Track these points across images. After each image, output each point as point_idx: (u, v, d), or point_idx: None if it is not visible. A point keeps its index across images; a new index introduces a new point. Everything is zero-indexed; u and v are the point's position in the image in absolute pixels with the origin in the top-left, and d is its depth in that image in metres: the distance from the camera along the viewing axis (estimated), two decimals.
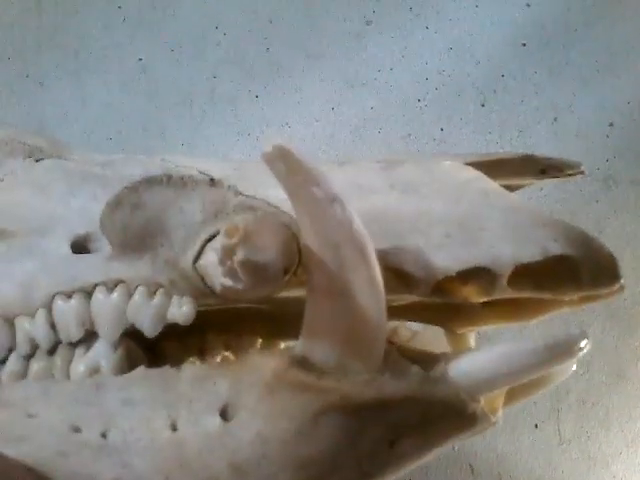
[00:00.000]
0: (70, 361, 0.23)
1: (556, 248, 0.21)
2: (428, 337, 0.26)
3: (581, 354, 0.20)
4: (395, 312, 0.24)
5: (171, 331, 0.23)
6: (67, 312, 0.22)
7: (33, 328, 0.22)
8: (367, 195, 0.23)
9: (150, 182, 0.22)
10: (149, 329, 0.22)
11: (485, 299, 0.22)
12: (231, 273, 0.20)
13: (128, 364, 0.22)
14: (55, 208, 0.24)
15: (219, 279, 0.20)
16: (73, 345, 0.23)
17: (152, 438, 0.20)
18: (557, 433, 0.46)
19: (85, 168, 0.25)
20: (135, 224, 0.21)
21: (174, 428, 0.20)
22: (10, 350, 0.23)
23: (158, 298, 0.22)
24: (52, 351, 0.23)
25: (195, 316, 0.22)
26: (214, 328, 0.25)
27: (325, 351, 0.19)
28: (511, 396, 0.23)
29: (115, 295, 0.22)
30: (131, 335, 0.23)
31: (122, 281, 0.22)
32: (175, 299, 0.22)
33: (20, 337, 0.22)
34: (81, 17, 0.51)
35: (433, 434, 0.20)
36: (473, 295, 0.21)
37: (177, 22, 0.52)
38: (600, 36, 0.53)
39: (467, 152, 0.52)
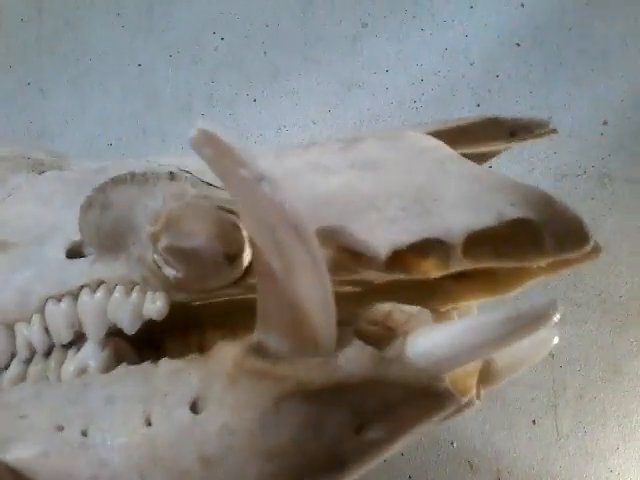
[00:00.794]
0: (62, 363, 0.23)
1: (513, 212, 0.20)
2: (424, 319, 0.24)
3: (551, 323, 0.18)
4: (373, 293, 0.24)
5: (173, 328, 0.24)
6: (57, 315, 0.23)
7: (30, 333, 0.23)
8: (327, 175, 0.23)
9: (115, 181, 0.22)
10: (128, 327, 0.22)
11: (444, 272, 0.20)
12: (165, 261, 0.20)
13: (117, 363, 0.22)
14: (55, 217, 0.24)
15: (164, 269, 0.20)
16: (66, 347, 0.23)
17: (128, 434, 0.19)
18: (555, 429, 0.47)
19: (81, 177, 0.26)
20: (106, 224, 0.22)
21: (149, 423, 0.20)
22: (13, 355, 0.24)
23: (134, 296, 0.22)
24: (49, 354, 0.24)
25: (192, 312, 0.22)
26: (212, 324, 0.25)
27: (278, 337, 0.19)
28: (494, 375, 0.22)
29: (97, 295, 0.22)
30: (137, 335, 0.23)
31: (103, 282, 0.23)
32: (149, 295, 0.22)
33: (19, 342, 0.23)
34: (81, 25, 0.52)
35: (400, 418, 0.19)
36: (432, 269, 0.20)
37: (175, 28, 0.53)
38: (594, 35, 0.54)
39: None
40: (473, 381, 0.20)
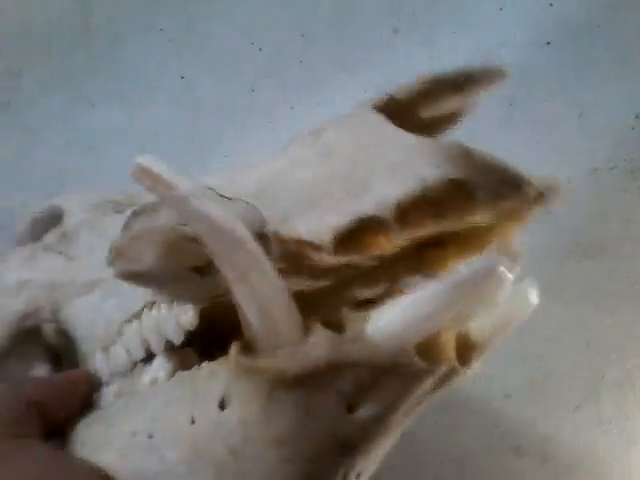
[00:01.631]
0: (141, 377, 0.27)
1: (436, 175, 0.20)
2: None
3: (502, 281, 0.18)
4: (363, 278, 0.24)
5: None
6: (131, 336, 0.27)
7: (116, 354, 0.27)
8: (296, 169, 0.24)
9: (135, 214, 0.24)
10: (174, 338, 0.25)
11: (391, 247, 0.21)
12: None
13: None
14: None
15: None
16: (145, 362, 0.27)
17: (178, 433, 0.22)
18: (597, 415, 0.48)
19: None
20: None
21: (192, 422, 0.22)
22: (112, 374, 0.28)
23: (173, 311, 0.25)
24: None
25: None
26: None
27: (254, 333, 0.20)
28: (473, 341, 0.23)
29: (151, 314, 0.26)
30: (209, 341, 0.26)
31: (154, 302, 0.26)
32: (182, 308, 0.25)
33: (112, 363, 0.28)
34: (126, 41, 0.55)
35: (385, 392, 0.20)
36: (384, 245, 0.20)
37: (215, 41, 0.55)
38: (623, 32, 0.55)
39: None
40: (450, 348, 0.21)
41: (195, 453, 0.21)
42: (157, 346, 0.26)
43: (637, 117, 0.53)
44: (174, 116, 0.54)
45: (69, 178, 0.53)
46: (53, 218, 0.37)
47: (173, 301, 0.25)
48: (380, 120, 0.25)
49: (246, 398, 0.21)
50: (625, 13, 0.55)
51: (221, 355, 0.24)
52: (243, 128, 0.54)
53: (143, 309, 0.26)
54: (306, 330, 0.20)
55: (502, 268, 0.18)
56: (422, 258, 0.24)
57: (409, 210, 0.20)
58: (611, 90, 0.54)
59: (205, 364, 0.23)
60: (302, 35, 0.55)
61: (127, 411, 0.25)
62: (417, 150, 0.21)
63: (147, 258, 0.22)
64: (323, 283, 0.23)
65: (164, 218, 0.22)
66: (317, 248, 0.19)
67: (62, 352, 0.32)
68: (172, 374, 0.25)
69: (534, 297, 0.24)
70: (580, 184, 0.53)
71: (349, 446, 0.20)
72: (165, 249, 0.22)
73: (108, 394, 0.27)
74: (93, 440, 0.24)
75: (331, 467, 0.21)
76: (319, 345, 0.20)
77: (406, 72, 0.54)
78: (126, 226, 0.23)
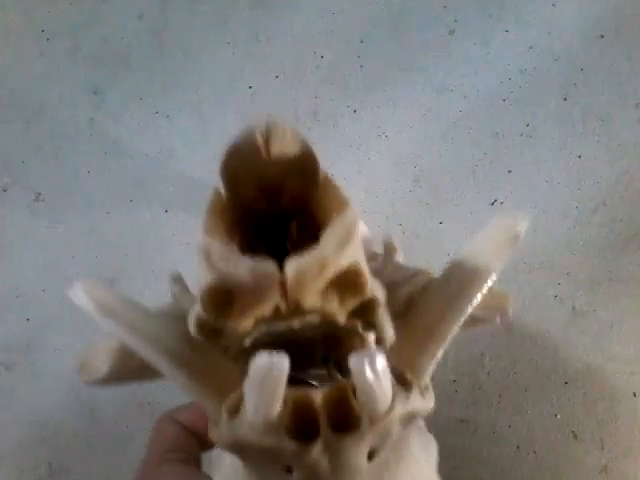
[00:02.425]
0: None
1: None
2: None
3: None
4: None
5: None
6: None
7: None
8: None
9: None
10: None
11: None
12: None
13: None
14: None
15: None
16: None
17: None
18: None
19: None
20: None
21: None
22: None
23: None
24: None
25: None
26: None
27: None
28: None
29: None
30: None
31: None
32: None
33: None
34: (198, 56, 0.58)
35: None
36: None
37: (279, 51, 0.58)
38: None
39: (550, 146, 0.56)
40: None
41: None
42: None
43: None
44: (243, 124, 0.57)
45: (151, 186, 0.58)
46: None
47: None
48: None
49: None
50: None
51: None
52: (309, 133, 0.57)
53: None
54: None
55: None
56: None
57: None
58: None
59: None
60: (361, 41, 0.58)
61: None
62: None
63: (101, 369, 0.24)
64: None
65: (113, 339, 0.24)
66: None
67: None
68: None
69: (522, 223, 0.23)
70: (637, 175, 0.55)
71: None
72: (115, 360, 0.24)
73: None
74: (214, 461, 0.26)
75: None
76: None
77: (462, 71, 0.57)
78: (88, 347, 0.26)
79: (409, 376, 0.21)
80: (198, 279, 0.17)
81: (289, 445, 0.19)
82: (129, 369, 0.24)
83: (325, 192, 0.20)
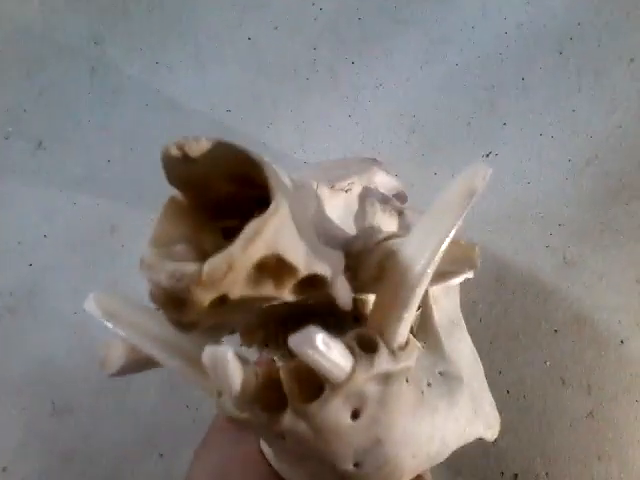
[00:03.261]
0: None
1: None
2: None
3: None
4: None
5: None
6: None
7: None
8: None
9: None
10: None
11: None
12: None
13: None
14: None
15: None
16: None
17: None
18: None
19: None
20: None
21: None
22: None
23: None
24: None
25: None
26: None
27: None
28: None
29: None
30: None
31: None
32: None
33: None
34: (196, 6, 0.59)
35: None
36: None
37: (278, 2, 0.59)
38: None
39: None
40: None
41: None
42: None
43: None
44: (242, 75, 0.58)
45: (150, 137, 0.58)
46: None
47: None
48: None
49: None
50: None
51: None
52: (307, 84, 0.58)
53: None
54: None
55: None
56: None
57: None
58: None
59: None
60: None
61: None
62: None
63: (119, 362, 0.26)
64: None
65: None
66: None
67: None
68: None
69: (480, 179, 0.23)
70: (629, 129, 0.55)
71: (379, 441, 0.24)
72: (127, 354, 0.26)
73: None
74: None
75: None
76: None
77: (459, 24, 0.58)
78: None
79: (378, 340, 0.23)
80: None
81: (262, 417, 0.22)
82: (140, 361, 0.26)
83: (264, 176, 0.21)
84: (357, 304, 0.28)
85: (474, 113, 0.56)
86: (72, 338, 0.56)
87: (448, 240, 0.23)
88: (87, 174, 0.57)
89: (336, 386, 0.21)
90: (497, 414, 0.36)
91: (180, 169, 0.21)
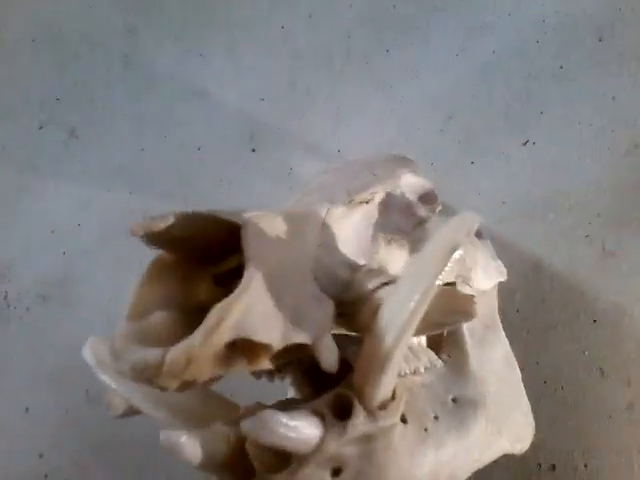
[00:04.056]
0: None
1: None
2: None
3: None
4: None
5: None
6: None
7: None
8: None
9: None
10: None
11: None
12: None
13: None
14: None
15: None
16: None
17: None
18: None
19: None
20: None
21: None
22: None
23: None
24: None
25: None
26: None
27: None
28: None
29: None
30: None
31: None
32: None
33: None
34: None
35: None
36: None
37: None
38: None
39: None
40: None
41: None
42: None
43: None
44: (275, 64, 0.58)
45: (183, 125, 0.58)
46: None
47: None
48: None
49: None
50: None
51: None
52: (341, 72, 0.57)
53: None
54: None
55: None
56: None
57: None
58: None
59: None
60: None
61: None
62: None
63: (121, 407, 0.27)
64: None
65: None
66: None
67: None
68: None
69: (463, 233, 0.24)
70: None
71: None
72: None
73: None
74: None
75: None
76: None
77: (496, 11, 0.57)
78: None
79: (354, 402, 0.23)
80: None
81: None
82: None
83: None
84: None
85: (511, 101, 0.56)
86: (105, 325, 0.56)
87: (425, 301, 0.22)
88: (121, 163, 0.57)
89: (304, 457, 0.21)
90: (531, 420, 0.35)
91: (155, 238, 0.23)
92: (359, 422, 0.22)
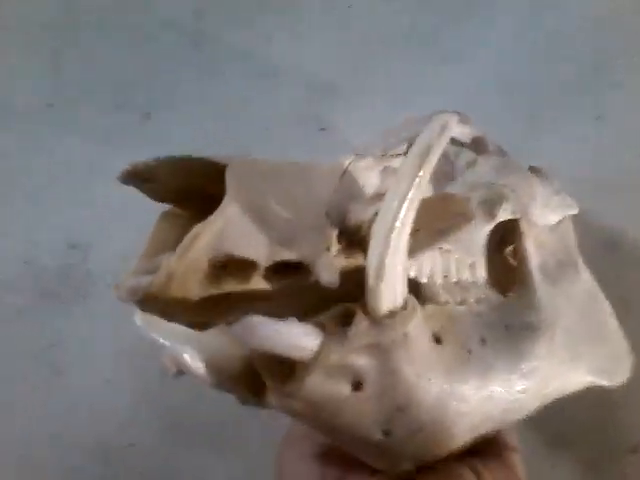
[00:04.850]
0: None
1: None
2: None
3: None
4: None
5: None
6: None
7: None
8: None
9: None
10: None
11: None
12: None
13: None
14: None
15: None
16: None
17: None
18: None
19: None
20: None
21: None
22: None
23: None
24: None
25: None
26: None
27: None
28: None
29: None
30: None
31: None
32: None
33: None
34: None
35: None
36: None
37: None
38: None
39: None
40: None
41: None
42: None
43: None
44: (343, 43, 0.58)
45: (252, 106, 0.59)
46: None
47: None
48: None
49: None
50: None
51: None
52: (405, 51, 0.58)
53: None
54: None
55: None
56: None
57: None
58: None
59: None
60: None
61: None
62: None
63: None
64: None
65: None
66: None
67: None
68: None
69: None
70: None
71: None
72: None
73: None
74: None
75: None
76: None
77: None
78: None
79: (357, 312, 0.22)
80: None
81: (248, 397, 0.23)
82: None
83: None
84: None
85: (583, 75, 0.55)
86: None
87: (405, 202, 0.21)
88: (193, 144, 0.59)
89: (306, 364, 0.22)
90: (626, 352, 0.33)
91: (152, 188, 0.23)
92: (361, 328, 0.22)
